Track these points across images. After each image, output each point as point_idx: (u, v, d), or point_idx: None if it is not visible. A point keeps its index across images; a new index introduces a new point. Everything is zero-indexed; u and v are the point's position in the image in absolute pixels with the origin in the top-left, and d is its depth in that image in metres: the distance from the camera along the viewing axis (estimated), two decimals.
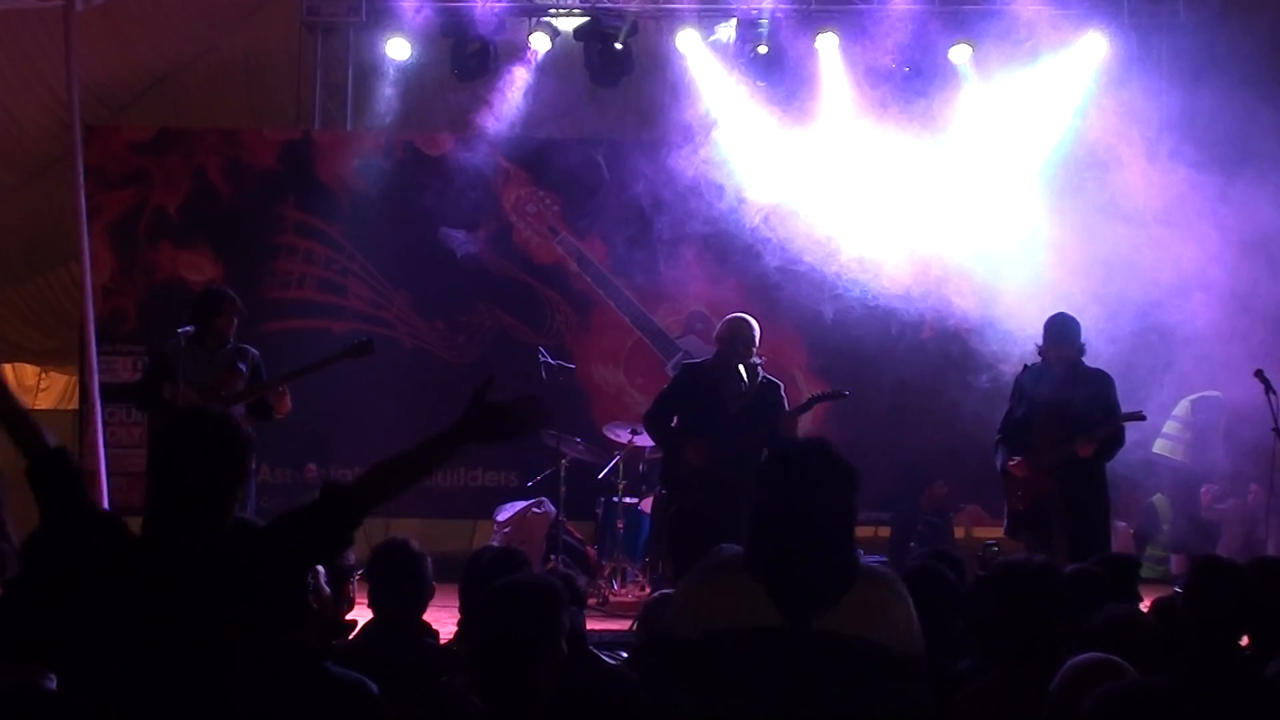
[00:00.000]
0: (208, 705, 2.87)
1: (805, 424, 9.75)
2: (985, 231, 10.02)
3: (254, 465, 3.20)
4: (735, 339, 7.06)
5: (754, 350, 7.08)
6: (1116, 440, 7.10)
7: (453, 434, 3.08)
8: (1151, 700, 2.83)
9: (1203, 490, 10.01)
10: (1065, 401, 7.05)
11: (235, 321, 7.15)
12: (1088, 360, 7.20)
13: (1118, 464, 7.42)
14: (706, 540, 6.05)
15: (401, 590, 4.32)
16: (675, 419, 7.22)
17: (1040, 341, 7.17)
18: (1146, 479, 10.05)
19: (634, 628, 5.84)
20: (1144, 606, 4.68)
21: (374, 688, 3.43)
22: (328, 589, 3.90)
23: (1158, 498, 10.34)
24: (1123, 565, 4.84)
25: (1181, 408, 9.95)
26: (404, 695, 3.47)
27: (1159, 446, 9.97)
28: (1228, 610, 3.44)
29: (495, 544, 9.27)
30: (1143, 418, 7.25)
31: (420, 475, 3.12)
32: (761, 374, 7.13)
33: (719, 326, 7.29)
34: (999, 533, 8.07)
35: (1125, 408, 7.24)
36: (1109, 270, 9.36)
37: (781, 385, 7.25)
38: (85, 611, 3.12)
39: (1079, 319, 7.20)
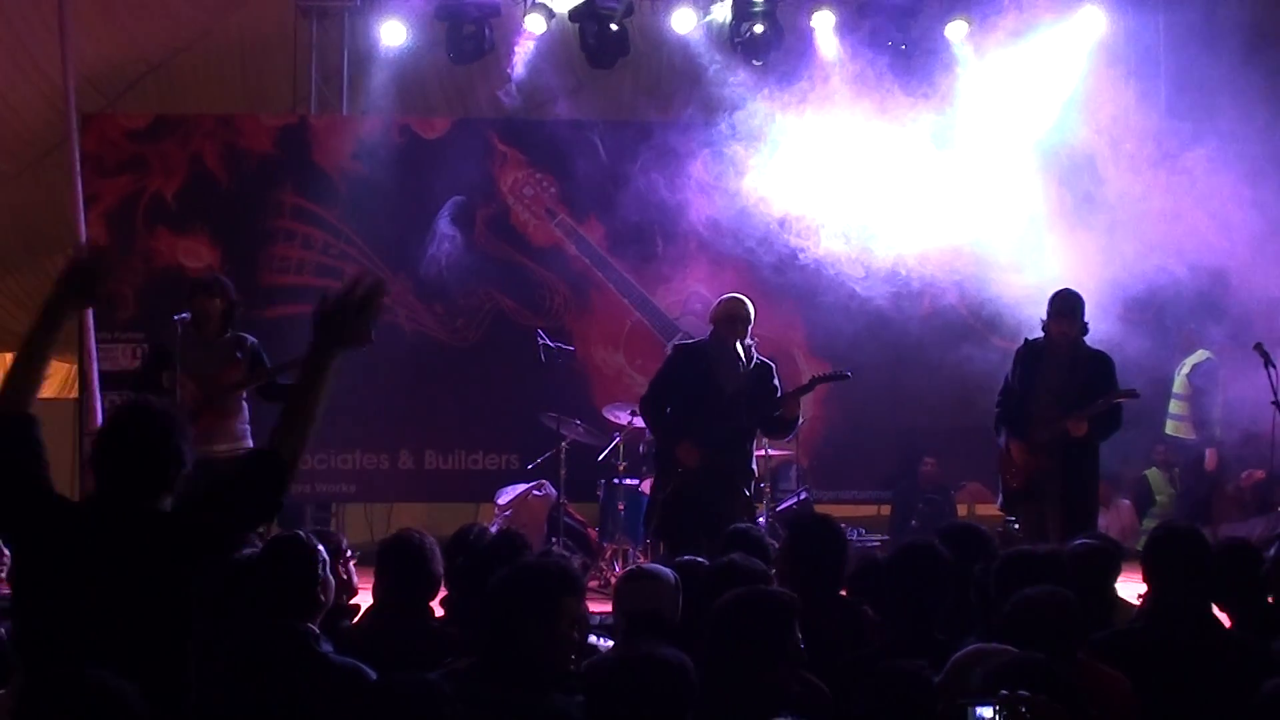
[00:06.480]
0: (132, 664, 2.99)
1: (806, 404, 9.80)
2: (985, 208, 9.99)
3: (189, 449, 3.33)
4: (731, 319, 7.01)
5: (749, 330, 7.05)
6: (1113, 420, 7.08)
7: (317, 348, 3.21)
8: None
9: (1243, 475, 9.92)
10: (1065, 381, 7.05)
11: (218, 305, 7.11)
12: (1089, 339, 7.20)
13: (1122, 446, 7.43)
14: (702, 524, 6.07)
15: (410, 585, 4.35)
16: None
17: (1044, 317, 7.16)
18: (1145, 455, 10.09)
19: None
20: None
21: (371, 675, 3.43)
22: (331, 577, 3.91)
23: (1150, 471, 10.38)
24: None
25: (1178, 384, 9.94)
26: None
27: (1170, 428, 9.98)
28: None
29: (496, 527, 9.30)
30: (1136, 395, 7.22)
31: (317, 401, 3.20)
32: (755, 355, 7.11)
33: (714, 307, 7.25)
34: None
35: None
36: (1111, 245, 9.34)
37: (774, 365, 7.22)
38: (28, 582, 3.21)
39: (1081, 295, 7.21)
